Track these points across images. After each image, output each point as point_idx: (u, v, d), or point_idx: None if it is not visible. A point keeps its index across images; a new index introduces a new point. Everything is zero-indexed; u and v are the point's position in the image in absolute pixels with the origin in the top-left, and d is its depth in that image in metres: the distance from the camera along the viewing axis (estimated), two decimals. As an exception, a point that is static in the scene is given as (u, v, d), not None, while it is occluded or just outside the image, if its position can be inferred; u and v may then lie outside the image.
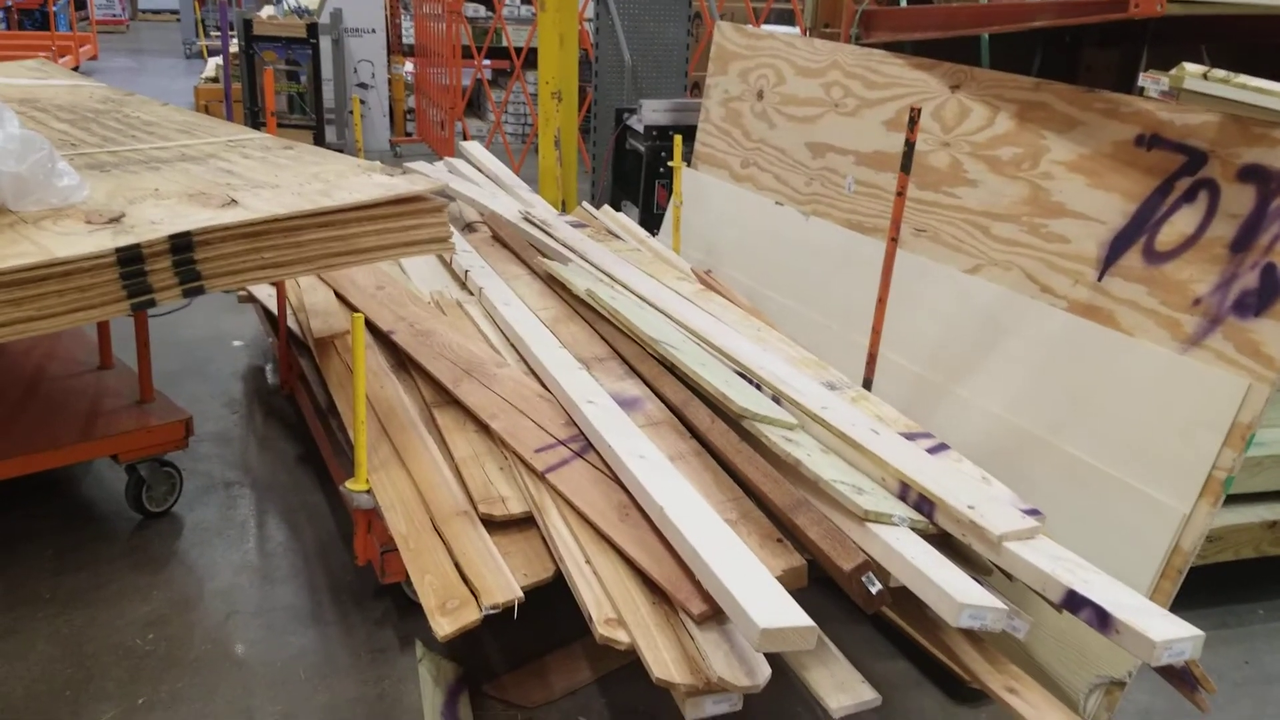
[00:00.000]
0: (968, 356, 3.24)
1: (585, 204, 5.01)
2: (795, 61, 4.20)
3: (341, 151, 6.25)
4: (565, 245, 3.97)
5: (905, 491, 2.25)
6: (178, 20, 17.10)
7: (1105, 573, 2.24)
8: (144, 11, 20.78)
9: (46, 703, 2.61)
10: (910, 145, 2.94)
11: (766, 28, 6.07)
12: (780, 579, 2.10)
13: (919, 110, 2.91)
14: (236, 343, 5.14)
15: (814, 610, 2.28)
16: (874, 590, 2.04)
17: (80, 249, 2.38)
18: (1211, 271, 2.60)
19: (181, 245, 2.52)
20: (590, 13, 7.35)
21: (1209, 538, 2.91)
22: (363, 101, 9.62)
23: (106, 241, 2.43)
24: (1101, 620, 1.85)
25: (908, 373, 3.36)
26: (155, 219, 2.60)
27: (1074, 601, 1.90)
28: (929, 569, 1.95)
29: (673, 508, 2.20)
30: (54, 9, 13.70)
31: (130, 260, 2.45)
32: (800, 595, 2.25)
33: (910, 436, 2.49)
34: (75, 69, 11.92)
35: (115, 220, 2.59)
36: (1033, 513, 2.15)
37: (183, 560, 3.27)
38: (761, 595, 1.92)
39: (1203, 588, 2.83)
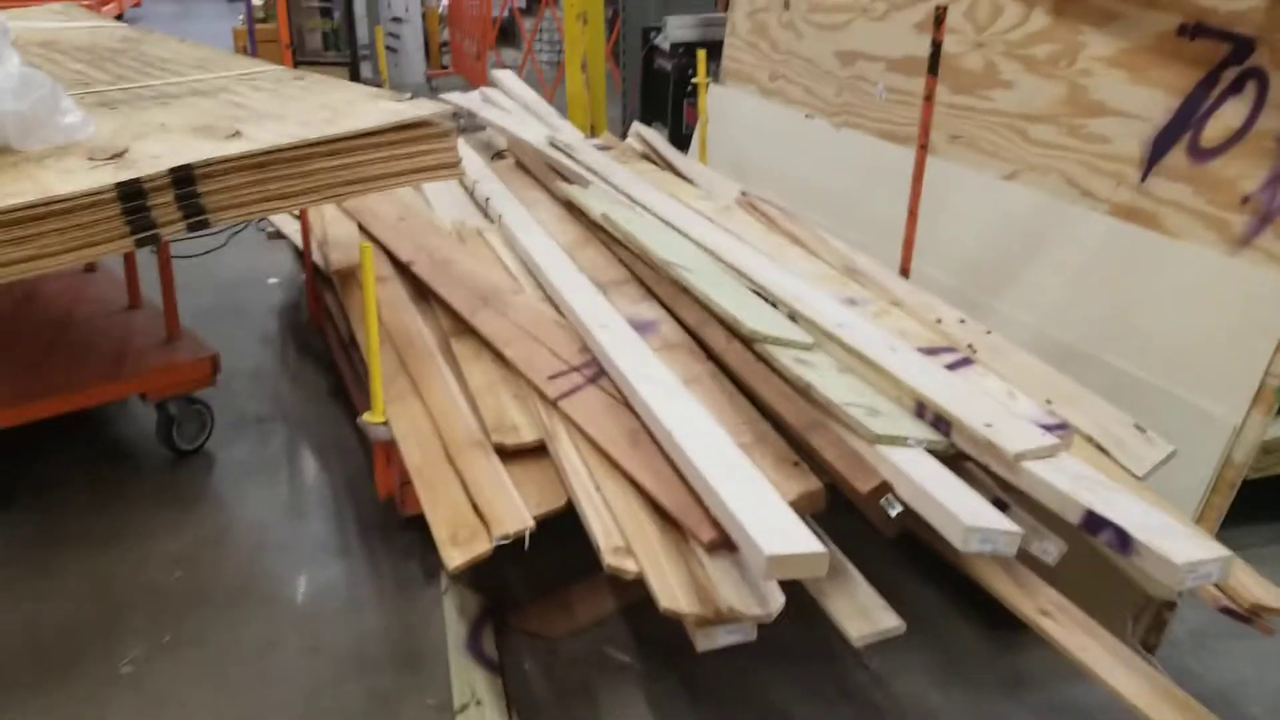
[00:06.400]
0: (1006, 267, 3.10)
1: (640, 127, 4.86)
2: (823, -34, 4.01)
3: (374, 86, 6.18)
4: (588, 168, 3.87)
5: (923, 410, 2.14)
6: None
7: (1149, 490, 2.13)
8: (188, -44, 20.65)
9: (76, 642, 2.63)
10: (937, 46, 2.79)
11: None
12: (795, 503, 2.01)
13: (945, 9, 2.75)
14: (272, 280, 5.13)
15: (841, 533, 2.20)
16: (893, 513, 1.95)
17: (80, 185, 2.35)
18: (1261, 166, 2.44)
19: (184, 179, 2.48)
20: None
21: (1265, 449, 2.77)
22: (397, 36, 9.50)
23: (107, 177, 2.39)
24: (1122, 542, 1.74)
25: (943, 287, 3.22)
26: (158, 153, 2.55)
27: (1093, 523, 1.79)
28: (936, 490, 1.85)
29: (681, 432, 2.12)
30: (95, -44, 13.68)
31: (131, 195, 2.42)
32: (827, 518, 2.17)
33: (932, 351, 2.37)
34: (119, 17, 11.87)
35: (118, 156, 2.55)
36: (1059, 428, 2.04)
37: (213, 497, 3.28)
38: (770, 520, 1.84)
39: (1261, 502, 2.70)
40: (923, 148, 2.93)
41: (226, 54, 4.00)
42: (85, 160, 2.52)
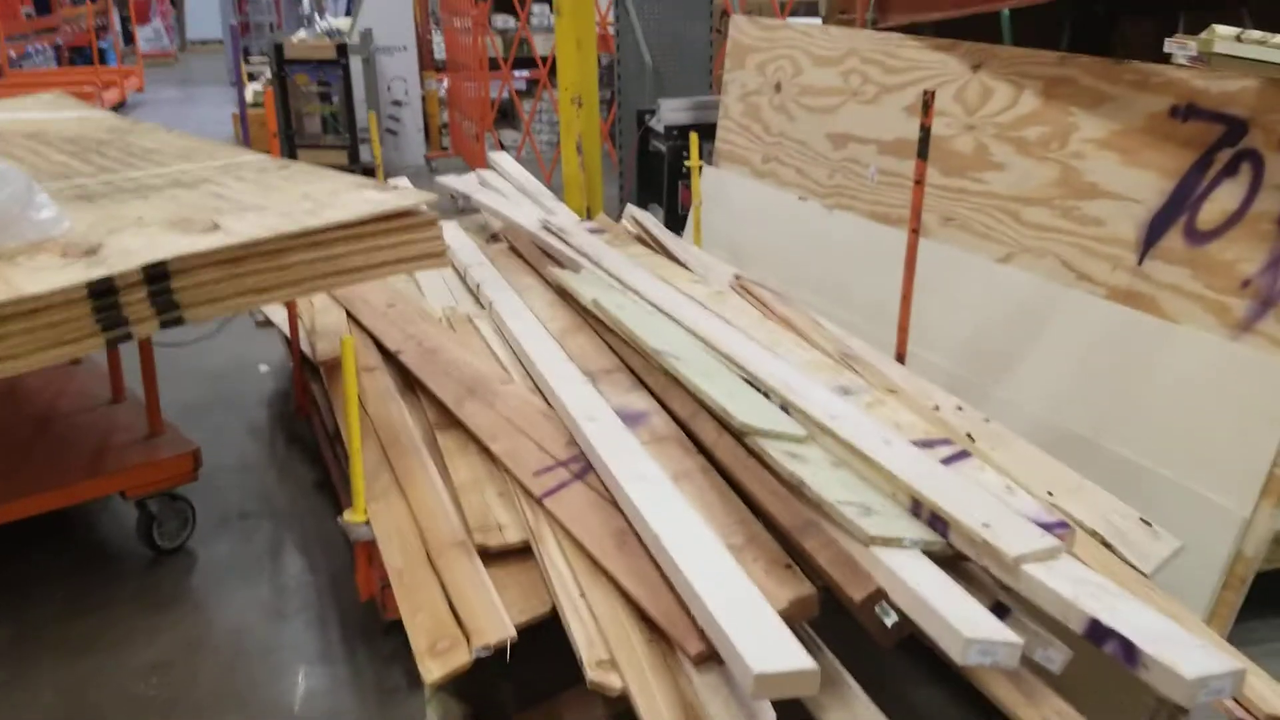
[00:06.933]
0: (1003, 351, 3.03)
1: (633, 209, 4.84)
2: (812, 51, 4.01)
3: (372, 169, 6.18)
4: (580, 252, 3.82)
5: (919, 508, 2.05)
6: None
7: (1156, 590, 2.04)
8: (192, 42, 21.01)
9: (46, 757, 2.52)
10: (926, 130, 2.75)
11: (793, 20, 5.88)
12: (787, 611, 1.92)
13: (933, 94, 2.72)
14: (263, 368, 5.07)
15: (839, 632, 2.10)
16: (889, 622, 1.85)
17: (50, 284, 2.29)
18: (1259, 250, 2.38)
19: (157, 275, 2.42)
20: (613, 16, 7.19)
21: (1278, 540, 2.68)
22: (397, 119, 9.56)
23: (78, 275, 2.34)
24: (1128, 655, 1.64)
25: (940, 371, 3.15)
26: (133, 248, 2.50)
27: (1098, 633, 1.69)
28: (933, 599, 1.76)
29: (669, 536, 2.03)
30: (100, 45, 13.90)
31: (103, 293, 2.36)
32: (823, 617, 2.06)
33: (928, 444, 2.29)
34: (121, 103, 11.99)
35: (91, 252, 2.50)
36: (1060, 526, 1.95)
37: (193, 599, 3.18)
38: (759, 634, 1.74)
39: (1277, 593, 2.60)
40: (914, 231, 2.88)
41: (214, 144, 3.98)
42: (58, 257, 2.46)
